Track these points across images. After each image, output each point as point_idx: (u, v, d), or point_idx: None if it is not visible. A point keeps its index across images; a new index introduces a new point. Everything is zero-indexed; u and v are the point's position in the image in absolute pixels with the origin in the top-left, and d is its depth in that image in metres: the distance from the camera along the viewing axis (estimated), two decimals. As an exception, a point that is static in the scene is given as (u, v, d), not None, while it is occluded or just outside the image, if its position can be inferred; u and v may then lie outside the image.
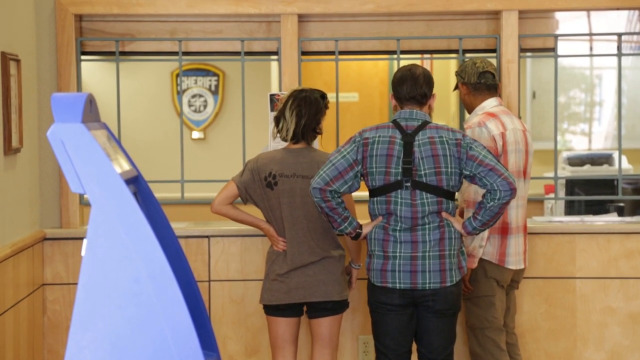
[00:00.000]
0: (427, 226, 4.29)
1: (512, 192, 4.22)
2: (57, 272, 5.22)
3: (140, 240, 2.66)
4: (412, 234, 4.29)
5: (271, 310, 4.63)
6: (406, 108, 4.37)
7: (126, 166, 2.94)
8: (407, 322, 4.38)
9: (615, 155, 8.00)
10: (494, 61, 5.45)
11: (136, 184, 3.07)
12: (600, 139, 10.12)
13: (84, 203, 5.40)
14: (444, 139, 4.28)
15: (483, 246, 4.71)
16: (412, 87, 4.36)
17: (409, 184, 4.27)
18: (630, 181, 7.12)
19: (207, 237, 5.27)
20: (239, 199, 4.64)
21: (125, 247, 2.65)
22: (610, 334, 5.28)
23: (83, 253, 2.68)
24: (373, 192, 4.34)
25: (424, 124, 4.33)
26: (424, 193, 4.27)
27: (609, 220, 5.54)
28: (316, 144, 4.92)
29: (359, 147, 4.31)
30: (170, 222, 3.22)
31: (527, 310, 5.25)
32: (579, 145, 10.19)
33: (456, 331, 4.48)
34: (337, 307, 4.60)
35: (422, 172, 4.26)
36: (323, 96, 4.63)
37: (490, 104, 4.86)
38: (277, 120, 4.62)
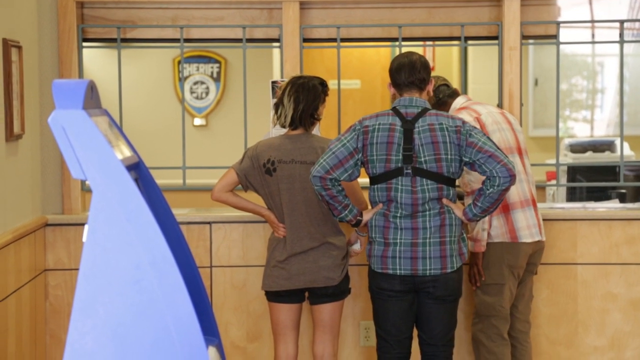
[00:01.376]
0: (427, 213, 4.30)
1: (512, 178, 4.23)
2: (59, 257, 5.23)
3: (142, 226, 2.66)
4: (413, 220, 4.30)
5: (272, 296, 4.65)
6: (405, 95, 4.38)
7: (127, 152, 2.94)
8: (407, 308, 4.40)
9: (617, 142, 7.99)
10: (495, 48, 5.46)
11: (137, 170, 3.07)
12: (602, 126, 10.11)
13: (86, 189, 5.41)
14: (444, 125, 4.29)
15: (486, 229, 4.72)
16: (410, 73, 4.37)
17: (409, 171, 4.28)
18: (632, 168, 7.13)
19: (208, 223, 5.28)
20: (240, 186, 4.65)
21: (127, 233, 2.66)
22: (611, 320, 5.28)
23: (84, 239, 2.68)
24: (374, 180, 4.34)
25: (424, 111, 4.34)
26: (424, 180, 4.28)
27: (611, 206, 5.54)
28: (317, 130, 4.93)
29: (359, 135, 4.32)
30: (172, 209, 3.23)
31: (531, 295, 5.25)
32: (581, 132, 10.19)
33: (457, 317, 4.49)
34: (338, 293, 4.61)
35: (423, 159, 4.27)
36: (322, 83, 4.64)
37: (459, 102, 4.99)
38: (276, 107, 4.64)
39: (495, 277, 4.77)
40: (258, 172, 4.59)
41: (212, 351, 2.96)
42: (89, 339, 2.67)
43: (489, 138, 4.30)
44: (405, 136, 4.28)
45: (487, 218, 4.68)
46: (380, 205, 4.35)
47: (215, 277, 5.27)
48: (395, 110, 4.34)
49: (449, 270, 4.34)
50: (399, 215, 4.31)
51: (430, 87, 4.46)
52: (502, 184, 4.23)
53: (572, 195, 7.30)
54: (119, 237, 2.66)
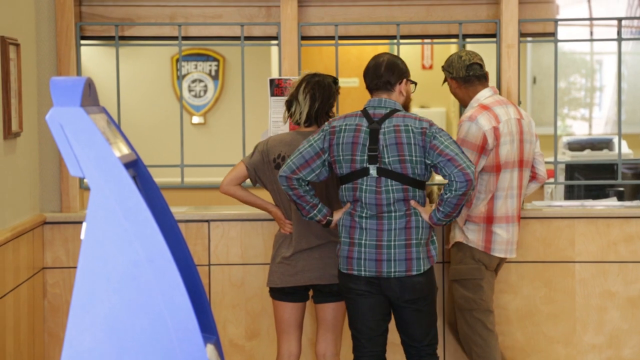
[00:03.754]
0: (392, 214, 4.31)
1: (467, 183, 4.19)
2: (57, 256, 5.23)
3: (140, 223, 2.66)
4: (378, 222, 4.31)
5: (277, 294, 4.65)
6: (375, 96, 4.41)
7: (125, 150, 2.94)
8: (377, 306, 4.40)
9: (615, 140, 8.00)
10: (493, 46, 5.46)
11: (135, 168, 3.07)
12: (600, 124, 10.13)
13: (84, 187, 5.41)
14: (410, 127, 4.29)
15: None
16: (373, 76, 4.41)
17: (374, 171, 4.29)
18: (630, 166, 7.13)
19: (207, 221, 5.28)
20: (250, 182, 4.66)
21: (125, 231, 2.66)
22: (609, 318, 5.29)
23: (82, 236, 2.68)
24: (341, 180, 4.37)
25: (392, 112, 4.34)
26: (389, 180, 4.28)
27: (609, 204, 5.55)
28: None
29: (326, 135, 4.35)
30: (170, 207, 3.23)
31: (527, 294, 5.26)
32: (579, 130, 10.20)
33: (436, 314, 4.49)
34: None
35: (387, 160, 4.28)
36: (335, 81, 4.68)
37: (484, 94, 4.84)
38: (289, 104, 4.64)
39: (472, 273, 4.78)
40: (267, 167, 4.60)
41: (210, 349, 2.96)
42: (87, 336, 2.67)
43: (454, 141, 4.28)
44: (371, 137, 4.29)
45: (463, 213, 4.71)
46: (349, 204, 4.37)
47: (214, 275, 5.27)
48: (364, 111, 4.38)
49: (414, 273, 4.32)
50: (364, 215, 4.32)
51: (402, 87, 4.43)
52: (459, 188, 4.20)
53: (570, 193, 7.30)
54: (117, 234, 2.66)
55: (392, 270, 4.30)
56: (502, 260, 4.88)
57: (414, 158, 4.27)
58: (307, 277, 4.56)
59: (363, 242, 4.32)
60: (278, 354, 4.73)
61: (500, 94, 5.29)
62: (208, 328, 3.18)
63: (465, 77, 4.83)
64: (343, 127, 4.34)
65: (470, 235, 4.77)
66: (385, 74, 4.40)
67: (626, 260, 5.27)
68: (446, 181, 4.24)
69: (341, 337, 4.72)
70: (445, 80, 4.96)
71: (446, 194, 4.24)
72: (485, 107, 4.76)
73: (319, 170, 4.34)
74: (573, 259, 5.28)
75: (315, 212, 4.38)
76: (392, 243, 4.30)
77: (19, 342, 4.73)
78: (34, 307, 5.04)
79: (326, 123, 4.40)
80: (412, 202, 4.32)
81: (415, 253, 4.32)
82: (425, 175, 4.32)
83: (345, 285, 4.41)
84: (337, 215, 4.40)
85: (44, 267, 5.22)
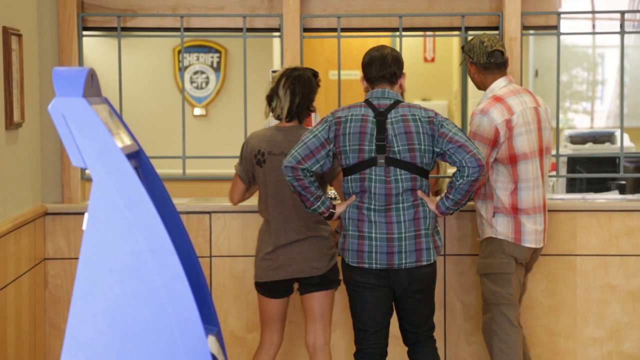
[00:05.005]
0: (400, 205, 4.32)
1: (480, 168, 4.23)
2: (58, 246, 5.23)
3: (141, 214, 2.66)
4: (387, 214, 4.33)
5: (261, 288, 4.70)
6: (377, 88, 4.41)
7: (127, 141, 2.94)
8: (383, 299, 4.43)
9: (617, 133, 7.99)
10: (496, 38, 5.44)
11: (137, 158, 3.07)
12: (602, 117, 10.12)
13: (86, 178, 5.41)
14: (417, 116, 4.32)
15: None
16: (380, 67, 4.41)
17: (382, 161, 4.30)
18: (631, 159, 7.12)
19: (208, 213, 5.28)
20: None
21: (126, 222, 2.66)
22: (610, 311, 5.29)
23: (84, 227, 2.68)
24: (347, 171, 4.37)
25: (396, 103, 4.37)
26: (398, 170, 4.30)
27: (611, 198, 5.54)
28: (316, 119, 4.92)
29: (331, 126, 4.35)
30: (172, 198, 3.23)
31: (528, 287, 5.25)
32: (581, 123, 10.19)
33: (434, 302, 4.54)
34: (325, 283, 4.63)
35: (396, 149, 4.29)
36: (315, 74, 4.69)
37: (499, 85, 4.80)
38: (269, 99, 4.66)
39: (502, 267, 4.76)
40: (251, 164, 4.63)
41: (211, 340, 2.96)
42: (88, 327, 2.67)
43: (460, 129, 4.32)
44: (378, 126, 4.31)
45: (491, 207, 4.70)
46: (354, 197, 4.37)
47: (215, 266, 5.27)
48: (368, 102, 4.38)
49: (424, 263, 4.36)
50: (372, 207, 4.33)
51: (403, 81, 4.48)
52: (471, 174, 4.23)
53: (572, 186, 7.29)
54: (119, 225, 2.66)
55: (404, 261, 4.33)
56: (535, 253, 4.86)
57: (422, 147, 4.29)
58: (289, 271, 4.60)
59: (373, 235, 4.33)
60: (260, 341, 4.80)
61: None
62: (209, 319, 3.18)
63: (486, 64, 4.81)
64: (349, 117, 4.34)
65: (500, 227, 4.76)
66: (392, 66, 4.41)
67: (627, 253, 5.27)
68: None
69: (330, 326, 4.74)
70: (463, 61, 4.95)
71: (458, 180, 4.26)
72: (498, 99, 4.73)
73: (323, 161, 4.34)
74: (574, 252, 5.28)
75: (319, 203, 4.38)
76: (403, 235, 4.32)
77: (20, 333, 4.74)
78: (35, 298, 5.04)
79: (329, 114, 4.40)
80: (419, 193, 4.34)
81: (424, 243, 4.35)
82: (431, 164, 4.35)
83: (353, 278, 4.42)
84: (339, 208, 4.40)
85: (46, 258, 5.22)
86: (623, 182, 6.84)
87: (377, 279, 4.37)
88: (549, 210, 5.22)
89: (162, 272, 2.67)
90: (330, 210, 4.41)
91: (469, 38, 4.97)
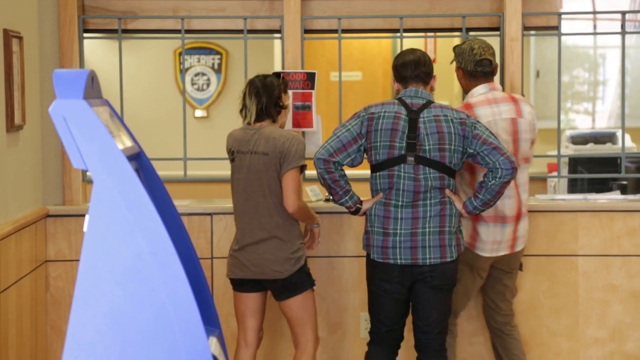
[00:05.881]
0: (428, 201, 4.36)
1: (513, 171, 4.31)
2: (59, 249, 5.23)
3: (142, 216, 2.66)
4: (413, 209, 4.35)
5: (234, 284, 4.74)
6: (411, 87, 4.44)
7: (128, 143, 2.93)
8: (403, 302, 4.48)
9: (619, 133, 7.98)
10: (497, 40, 5.44)
11: (138, 160, 3.07)
12: (604, 118, 10.10)
13: (87, 180, 5.41)
14: (449, 117, 4.39)
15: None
16: (416, 66, 4.48)
17: (412, 159, 4.32)
18: (633, 159, 7.11)
19: (209, 214, 5.28)
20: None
21: (127, 223, 2.66)
22: (612, 312, 5.28)
23: (85, 229, 2.68)
24: (376, 167, 4.41)
25: (428, 103, 4.43)
26: (427, 168, 4.34)
27: (612, 198, 5.54)
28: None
29: (364, 121, 4.40)
30: (173, 200, 3.22)
31: (530, 287, 5.25)
32: (582, 124, 10.18)
33: (451, 305, 4.55)
34: (290, 287, 4.63)
35: (427, 148, 4.34)
36: (278, 76, 4.77)
37: (477, 91, 4.80)
38: (241, 111, 4.68)
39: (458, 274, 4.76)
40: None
41: (213, 341, 2.96)
42: (89, 329, 2.67)
43: (491, 132, 4.40)
44: (410, 125, 4.35)
45: None
46: (381, 194, 4.39)
47: (216, 268, 5.27)
48: (401, 100, 4.43)
49: (448, 260, 4.38)
50: (400, 203, 4.36)
51: (434, 83, 4.53)
52: (504, 175, 4.31)
53: (574, 186, 7.29)
54: (120, 226, 2.66)
55: (428, 257, 4.36)
56: (502, 260, 4.83)
57: (452, 147, 4.34)
58: (252, 272, 4.63)
59: (398, 231, 4.37)
60: (237, 343, 4.81)
61: (502, 88, 5.24)
62: (211, 321, 3.18)
63: (472, 71, 4.83)
64: (382, 113, 4.39)
65: (464, 230, 4.76)
66: (427, 66, 4.49)
67: (629, 253, 5.27)
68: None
69: (312, 327, 4.70)
70: (453, 60, 4.96)
71: (490, 181, 4.33)
72: (468, 107, 4.75)
73: (354, 155, 4.40)
74: (576, 252, 5.28)
75: (347, 197, 4.44)
76: (427, 230, 4.35)
77: (21, 335, 4.73)
78: (36, 300, 5.04)
79: (362, 109, 4.46)
80: (447, 191, 4.39)
81: (447, 240, 4.38)
82: (459, 165, 4.40)
83: (377, 274, 4.44)
84: (366, 204, 4.44)
85: (47, 260, 5.22)
86: (624, 183, 6.83)
87: (400, 276, 4.39)
88: (550, 211, 5.22)
89: (163, 274, 2.67)
90: (357, 205, 4.45)
91: (466, 39, 4.97)
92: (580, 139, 8.08)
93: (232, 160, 4.67)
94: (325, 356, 5.31)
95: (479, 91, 4.81)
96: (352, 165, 4.42)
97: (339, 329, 5.29)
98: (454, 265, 4.42)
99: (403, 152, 4.35)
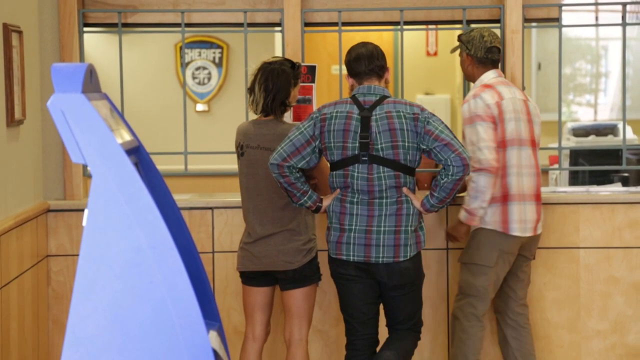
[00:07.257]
0: (384, 200, 4.35)
1: (465, 167, 4.25)
2: (61, 243, 5.23)
3: (141, 210, 2.66)
4: (369, 207, 4.36)
5: (244, 278, 4.73)
6: (365, 83, 4.43)
7: (127, 137, 2.93)
8: (367, 290, 4.46)
9: (620, 125, 7.98)
10: (497, 32, 5.43)
11: (137, 154, 3.06)
12: (605, 110, 10.10)
13: (88, 175, 5.40)
14: (402, 113, 4.33)
15: (484, 207, 4.72)
16: (370, 60, 4.43)
17: (365, 158, 4.31)
18: (634, 151, 7.11)
19: (210, 208, 5.28)
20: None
21: (126, 217, 2.65)
22: (613, 304, 5.28)
23: (84, 223, 2.68)
24: (332, 166, 4.42)
25: (382, 99, 4.39)
26: (381, 167, 4.32)
27: (613, 190, 5.53)
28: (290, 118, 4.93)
29: (317, 122, 4.39)
30: (174, 194, 3.22)
31: (531, 280, 5.25)
32: (584, 116, 10.18)
33: (422, 298, 4.56)
34: (300, 279, 4.64)
35: (379, 146, 4.32)
36: (294, 66, 4.67)
37: (488, 76, 4.90)
38: (250, 92, 4.66)
39: (484, 259, 4.79)
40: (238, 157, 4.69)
41: (213, 335, 2.96)
42: (89, 323, 2.67)
43: (446, 126, 4.34)
44: (362, 124, 4.33)
45: (487, 196, 4.69)
46: (338, 191, 4.42)
47: (218, 262, 5.27)
48: (354, 99, 4.40)
49: (401, 259, 4.37)
50: (355, 200, 4.36)
51: (388, 76, 4.51)
52: (455, 173, 4.25)
53: (575, 179, 7.29)
54: (119, 220, 2.66)
55: (381, 255, 4.35)
56: (530, 242, 4.87)
57: (406, 144, 4.31)
58: (264, 264, 4.63)
59: (353, 227, 4.37)
60: (244, 336, 4.82)
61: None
62: (211, 315, 3.18)
63: (482, 58, 4.88)
64: (334, 114, 4.37)
65: (488, 217, 4.77)
66: (380, 59, 4.45)
67: (631, 245, 5.26)
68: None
69: (308, 323, 4.73)
70: (455, 49, 4.97)
71: (443, 178, 4.28)
72: (488, 86, 4.83)
73: (309, 157, 4.39)
74: (577, 244, 5.27)
75: (305, 198, 4.43)
76: (382, 228, 4.34)
77: (23, 329, 4.74)
78: (38, 295, 5.04)
79: (315, 110, 4.45)
80: (405, 190, 4.36)
81: (403, 240, 4.36)
82: (416, 161, 4.36)
83: (336, 270, 4.48)
84: (326, 202, 4.46)
85: (48, 255, 5.22)
86: (626, 175, 6.83)
87: (356, 271, 4.41)
88: (552, 203, 5.22)
89: (162, 268, 2.66)
90: (317, 204, 4.45)
91: (473, 29, 4.98)
92: (581, 131, 8.08)
93: (241, 155, 4.65)
94: (327, 350, 5.31)
95: (490, 76, 4.90)
96: (309, 166, 4.41)
97: (341, 322, 5.29)
98: (412, 263, 4.40)
99: (356, 152, 4.32)
